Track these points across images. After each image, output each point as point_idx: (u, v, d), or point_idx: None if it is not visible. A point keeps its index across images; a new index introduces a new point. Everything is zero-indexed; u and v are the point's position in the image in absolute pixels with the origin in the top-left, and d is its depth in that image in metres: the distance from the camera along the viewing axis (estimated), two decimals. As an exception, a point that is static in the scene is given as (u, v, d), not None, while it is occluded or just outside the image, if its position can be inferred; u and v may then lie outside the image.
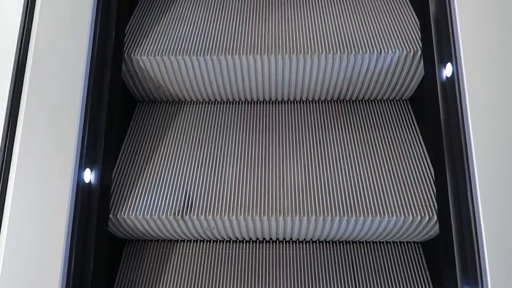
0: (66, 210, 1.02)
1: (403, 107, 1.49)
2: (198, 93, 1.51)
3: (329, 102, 1.53)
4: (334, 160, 1.33)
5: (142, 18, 1.51)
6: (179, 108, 1.54)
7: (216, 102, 1.55)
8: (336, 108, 1.51)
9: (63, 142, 1.08)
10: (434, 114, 1.17)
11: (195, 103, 1.56)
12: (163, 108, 1.54)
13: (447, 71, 1.13)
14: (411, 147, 1.35)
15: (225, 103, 1.55)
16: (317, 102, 1.53)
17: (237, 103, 1.55)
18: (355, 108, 1.50)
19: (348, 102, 1.53)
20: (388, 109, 1.49)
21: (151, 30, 1.45)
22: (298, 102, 1.54)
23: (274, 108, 1.52)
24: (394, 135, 1.39)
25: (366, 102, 1.52)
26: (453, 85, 1.09)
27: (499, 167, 1.00)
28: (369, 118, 1.46)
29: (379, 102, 1.52)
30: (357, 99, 1.53)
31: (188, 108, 1.54)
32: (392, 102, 1.52)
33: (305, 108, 1.51)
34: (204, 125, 1.47)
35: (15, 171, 1.00)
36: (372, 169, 1.29)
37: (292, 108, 1.51)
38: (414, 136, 1.38)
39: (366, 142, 1.37)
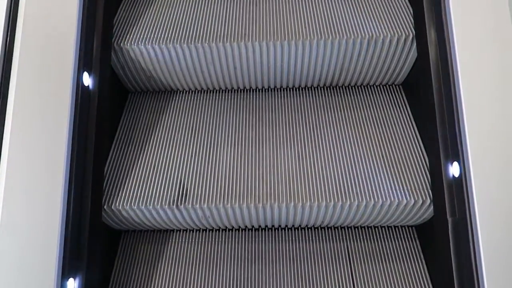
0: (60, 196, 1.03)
1: (395, 92, 1.49)
2: (190, 82, 1.50)
3: (322, 88, 1.53)
4: (327, 146, 1.33)
5: (131, 7, 1.49)
6: (171, 98, 1.53)
7: (208, 91, 1.54)
8: (329, 94, 1.50)
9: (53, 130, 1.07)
10: (427, 97, 1.17)
11: (187, 92, 1.54)
12: (155, 98, 1.53)
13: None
14: (404, 131, 1.35)
15: (217, 92, 1.54)
16: (309, 89, 1.53)
17: (229, 91, 1.54)
18: (348, 94, 1.50)
19: (340, 88, 1.52)
20: (380, 94, 1.49)
21: (140, 19, 1.43)
22: (291, 89, 1.53)
23: (266, 96, 1.51)
24: (387, 120, 1.39)
25: (359, 87, 1.52)
26: (446, 65, 1.09)
27: (492, 144, 1.00)
28: (362, 104, 1.46)
29: (372, 87, 1.52)
30: (349, 85, 1.53)
31: (180, 98, 1.52)
32: (384, 87, 1.51)
33: (297, 95, 1.51)
34: (197, 114, 1.46)
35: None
36: (365, 155, 1.29)
37: (285, 96, 1.51)
38: (407, 120, 1.38)
39: (359, 128, 1.37)
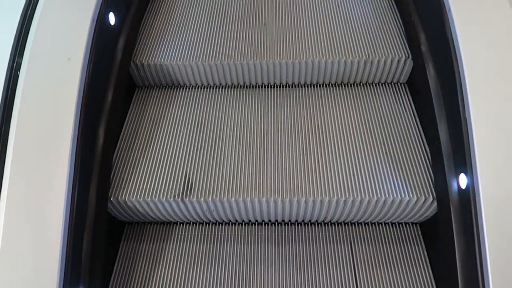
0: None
1: (400, 89, 1.50)
2: (197, 78, 1.53)
3: (326, 85, 1.54)
4: (332, 142, 1.33)
5: (150, 27, 1.61)
6: (177, 92, 1.55)
7: (215, 86, 1.56)
8: (333, 91, 1.51)
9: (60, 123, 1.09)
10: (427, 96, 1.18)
11: (193, 87, 1.56)
12: (162, 93, 1.55)
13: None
14: (408, 128, 1.35)
15: (223, 87, 1.56)
16: (314, 86, 1.54)
17: (235, 86, 1.55)
18: (352, 91, 1.51)
19: (346, 85, 1.53)
20: (385, 92, 1.49)
21: (157, 38, 1.56)
22: (296, 86, 1.54)
23: (271, 92, 1.52)
24: (391, 117, 1.40)
25: (364, 85, 1.53)
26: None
27: (498, 141, 1.00)
28: (366, 101, 1.46)
29: (376, 85, 1.52)
30: (354, 83, 1.53)
31: (186, 92, 1.54)
32: (389, 85, 1.52)
33: (302, 92, 1.52)
34: (203, 108, 1.47)
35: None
36: (370, 151, 1.30)
37: (290, 92, 1.52)
38: (411, 118, 1.39)
39: (363, 124, 1.38)
